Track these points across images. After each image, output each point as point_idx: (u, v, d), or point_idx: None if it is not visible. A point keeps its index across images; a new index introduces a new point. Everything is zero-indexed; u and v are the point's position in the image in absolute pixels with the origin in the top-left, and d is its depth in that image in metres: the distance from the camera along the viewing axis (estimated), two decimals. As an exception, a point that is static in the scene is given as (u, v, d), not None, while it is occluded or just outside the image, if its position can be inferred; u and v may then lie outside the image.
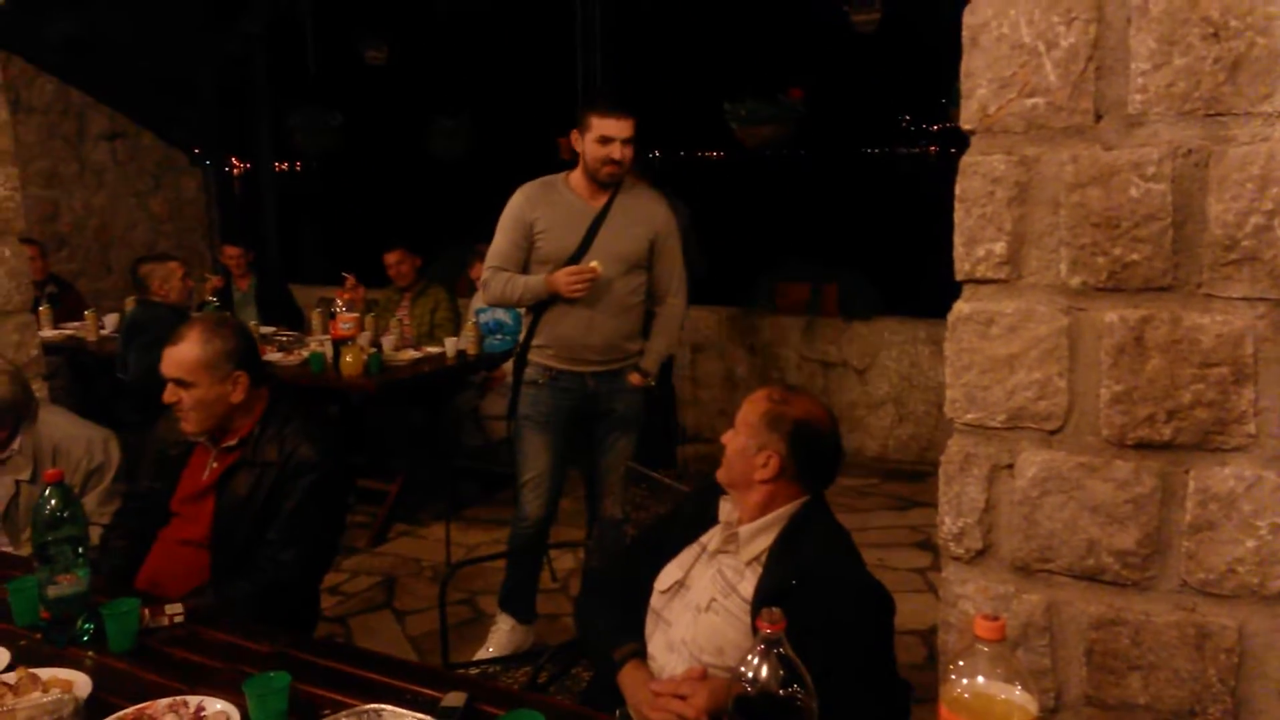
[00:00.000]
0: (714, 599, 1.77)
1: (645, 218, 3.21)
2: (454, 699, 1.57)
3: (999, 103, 1.59)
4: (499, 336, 5.06)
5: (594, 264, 3.06)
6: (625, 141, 3.03)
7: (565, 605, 3.76)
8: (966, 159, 1.62)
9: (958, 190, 1.62)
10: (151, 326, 4.17)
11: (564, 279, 3.05)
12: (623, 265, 3.15)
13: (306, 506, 2.26)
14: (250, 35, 7.87)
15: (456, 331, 5.10)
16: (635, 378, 3.27)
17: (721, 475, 1.87)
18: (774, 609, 1.18)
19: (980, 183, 1.61)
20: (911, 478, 5.16)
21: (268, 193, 8.35)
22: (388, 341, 4.91)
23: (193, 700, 1.59)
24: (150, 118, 7.74)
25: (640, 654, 1.83)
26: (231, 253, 6.18)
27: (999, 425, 1.62)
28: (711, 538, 1.89)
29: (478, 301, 5.07)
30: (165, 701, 1.59)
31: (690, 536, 1.92)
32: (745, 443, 1.82)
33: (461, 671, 2.42)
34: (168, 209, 7.89)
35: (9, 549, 2.55)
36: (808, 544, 1.75)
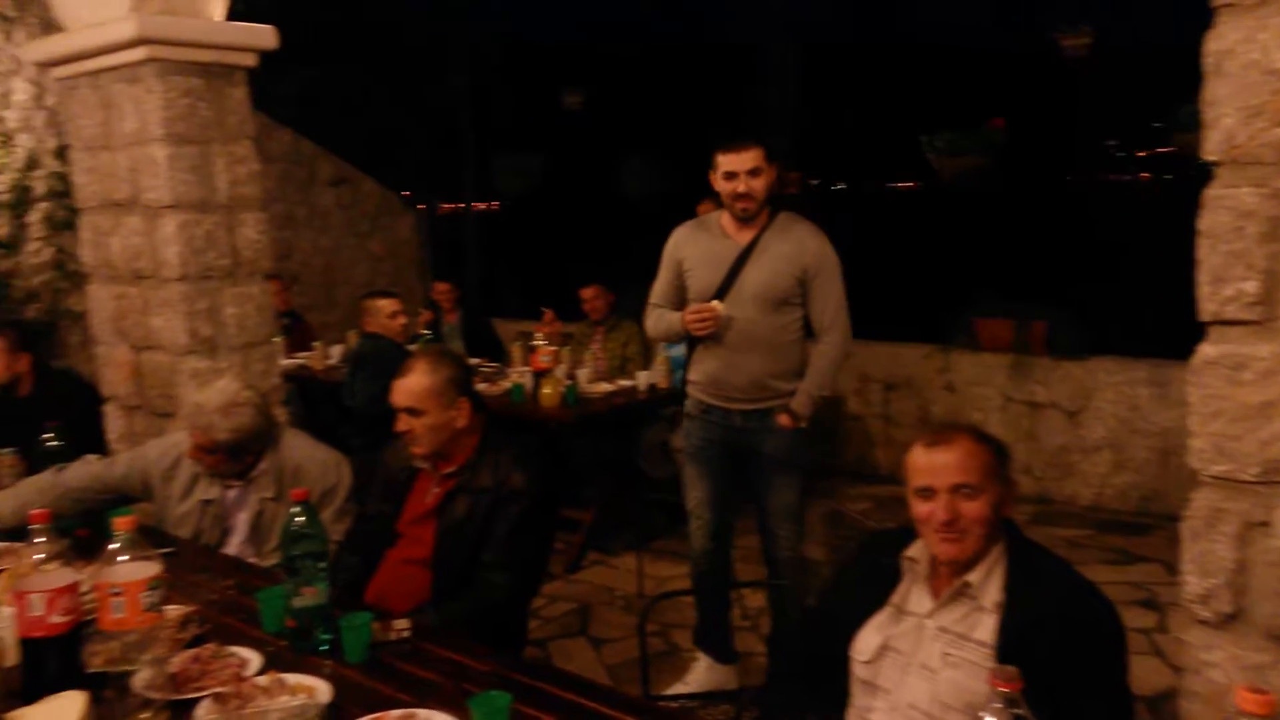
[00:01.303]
0: (946, 653, 1.70)
1: (792, 252, 3.11)
2: (663, 732, 1.58)
3: (1248, 133, 1.48)
4: (690, 371, 5.11)
5: (714, 303, 3.07)
6: (750, 173, 3.02)
7: (756, 644, 3.71)
8: (1212, 192, 1.52)
9: (1201, 225, 1.52)
10: (374, 358, 4.49)
11: (687, 317, 3.11)
12: (765, 302, 3.09)
13: (518, 532, 2.37)
14: (457, 87, 8.41)
15: (648, 365, 5.20)
16: (784, 418, 3.16)
17: (954, 544, 1.72)
18: (1009, 667, 1.13)
19: (1228, 217, 1.50)
20: (1131, 530, 4.78)
21: (471, 232, 8.87)
22: (583, 374, 5.06)
23: (421, 714, 1.68)
24: (370, 165, 8.39)
25: None
26: (441, 288, 6.56)
27: (1252, 479, 1.49)
28: (906, 595, 1.81)
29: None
30: (396, 713, 1.69)
31: (873, 596, 1.85)
32: (983, 502, 1.71)
33: (664, 704, 2.44)
34: (385, 248, 8.49)
35: (253, 561, 2.79)
36: (1038, 576, 1.67)
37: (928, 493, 1.73)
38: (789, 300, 3.13)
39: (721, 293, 3.10)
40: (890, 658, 1.77)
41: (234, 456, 2.70)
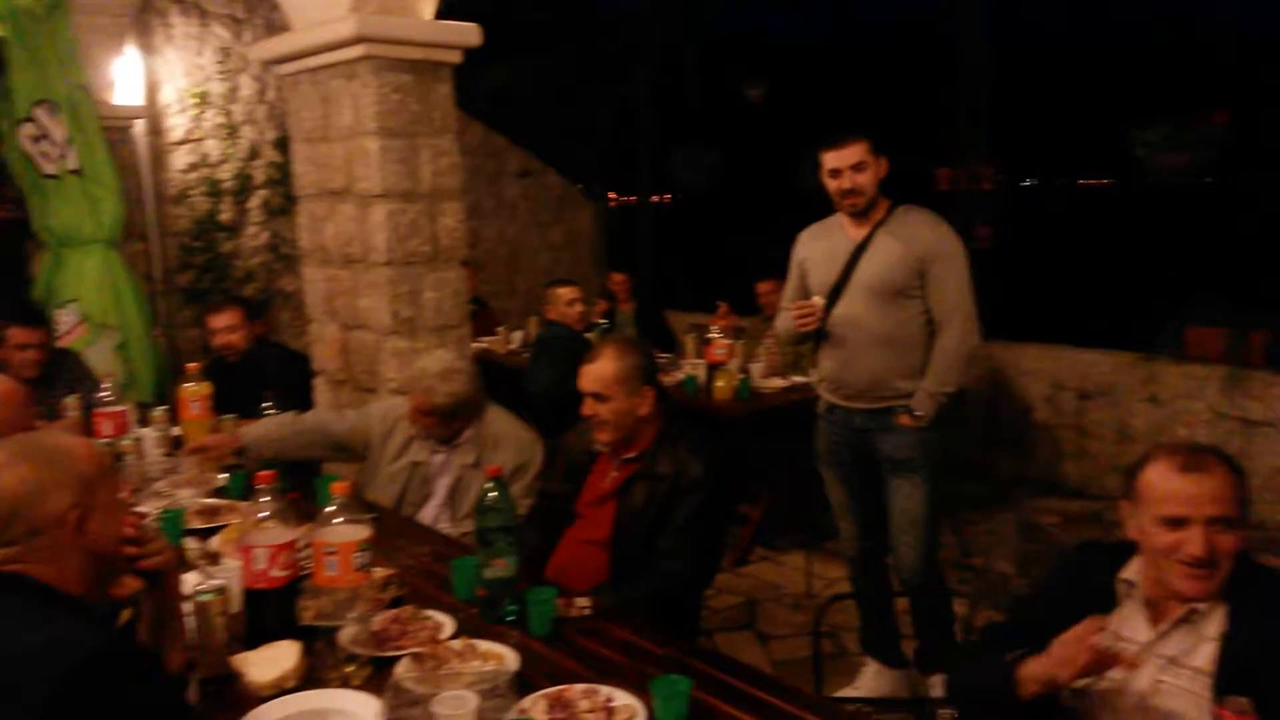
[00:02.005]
0: (1160, 680, 1.59)
1: (906, 242, 2.99)
2: (848, 732, 1.56)
3: None
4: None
5: (816, 299, 3.05)
6: (855, 168, 2.96)
7: (930, 654, 3.60)
8: None
9: None
10: (554, 344, 4.64)
11: (793, 314, 3.09)
12: (880, 295, 2.99)
13: (694, 521, 2.39)
14: (641, 81, 8.52)
15: (823, 362, 5.11)
16: (904, 418, 3.04)
17: (1202, 582, 1.57)
18: (1241, 698, 1.04)
19: None
20: (1358, 564, 4.31)
21: (646, 224, 8.98)
22: (756, 369, 5.03)
23: (603, 690, 1.73)
24: (553, 157, 8.64)
25: None
26: (617, 279, 6.68)
27: None
28: (1121, 621, 1.69)
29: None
30: (580, 688, 1.74)
31: (1082, 619, 1.73)
32: (1236, 535, 1.57)
33: (841, 706, 2.40)
34: (564, 238, 8.73)
35: (447, 525, 2.95)
36: (1268, 603, 1.53)
37: (1179, 523, 1.56)
38: (906, 292, 2.99)
39: (838, 289, 3.06)
40: (1102, 685, 1.66)
41: (447, 420, 2.90)
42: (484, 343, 6.31)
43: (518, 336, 6.27)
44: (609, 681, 1.77)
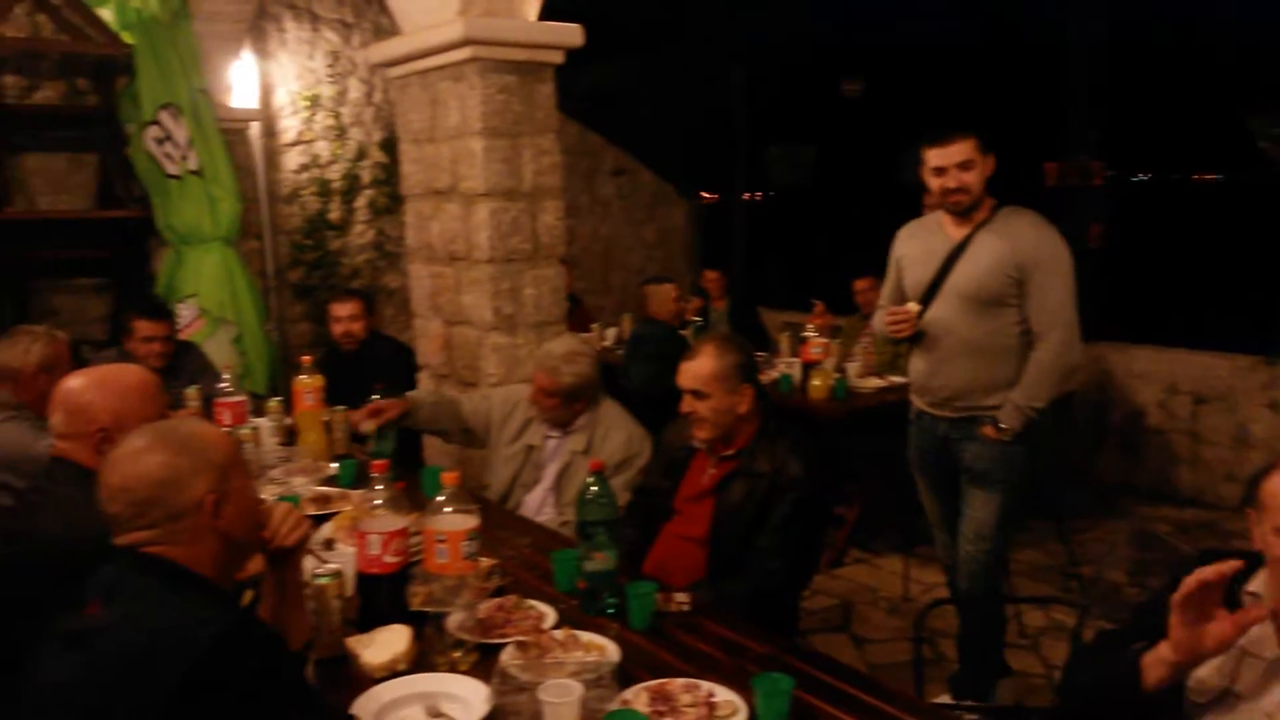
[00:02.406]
0: None
1: (1006, 247, 2.85)
2: (954, 738, 1.54)
3: None
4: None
5: (911, 305, 2.94)
6: (961, 167, 2.83)
7: (1036, 665, 3.50)
8: None
9: None
10: (651, 341, 4.66)
11: (886, 319, 3.00)
12: (974, 302, 2.86)
13: (792, 520, 2.38)
14: (735, 78, 8.49)
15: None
16: (988, 430, 2.92)
17: None
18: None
19: None
20: None
21: (738, 222, 8.95)
22: (852, 368, 4.97)
23: (704, 685, 1.74)
24: (648, 156, 8.68)
25: None
26: (711, 276, 6.68)
27: None
28: (1250, 635, 1.61)
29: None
30: (681, 682, 1.75)
31: None
32: None
33: (947, 713, 2.36)
34: (657, 236, 8.77)
35: (551, 510, 3.01)
36: None
37: None
38: (1003, 300, 2.86)
39: (931, 291, 2.95)
40: (1229, 701, 1.60)
41: (569, 402, 2.99)
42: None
43: (612, 333, 6.33)
44: (708, 677, 1.78)
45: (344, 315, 4.19)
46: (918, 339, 3.01)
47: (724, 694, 1.71)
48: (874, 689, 1.79)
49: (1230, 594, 1.65)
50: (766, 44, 8.19)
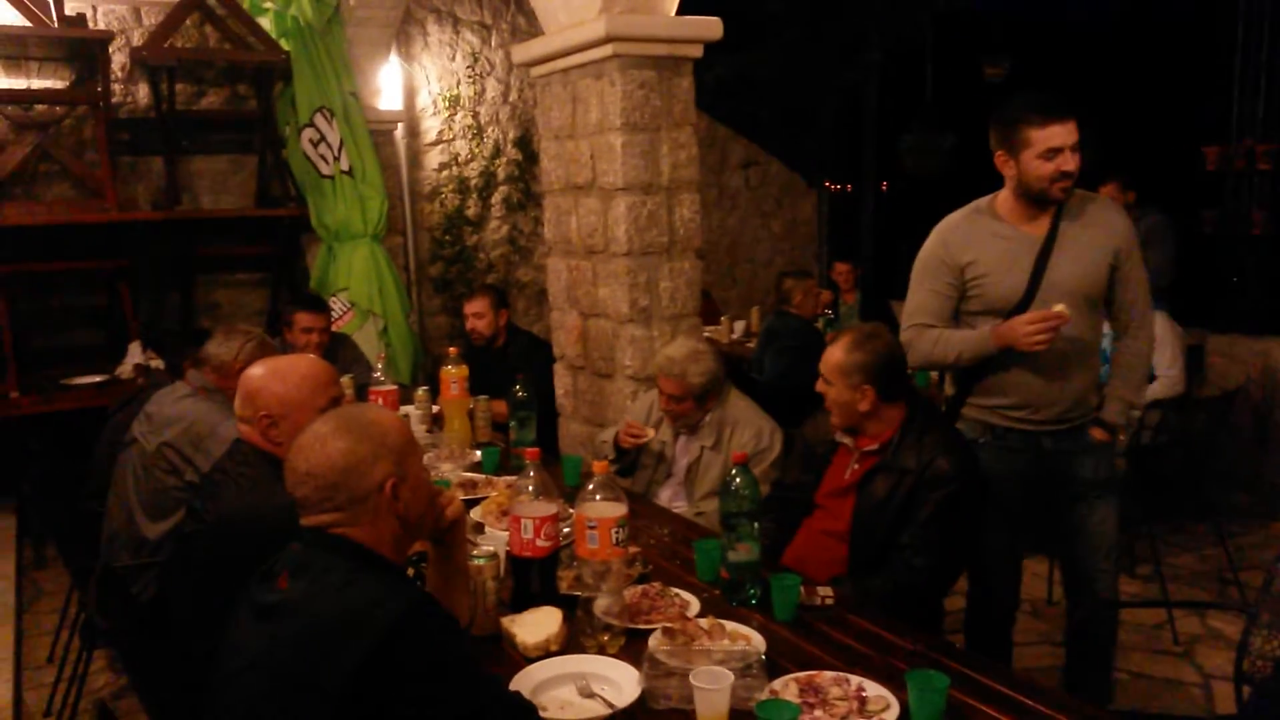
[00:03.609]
0: None
1: (1102, 236, 2.61)
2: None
3: None
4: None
5: (1060, 307, 2.48)
6: (1074, 148, 2.50)
7: (1191, 674, 3.34)
8: None
9: None
10: (785, 334, 4.65)
11: (1024, 330, 2.50)
12: (1082, 301, 2.59)
13: (941, 517, 2.33)
14: (869, 64, 8.31)
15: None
16: (1097, 432, 2.69)
17: None
18: None
19: None
20: None
21: (868, 213, 8.77)
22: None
23: (854, 680, 1.73)
24: (777, 147, 8.60)
25: None
26: (841, 269, 6.59)
27: None
28: None
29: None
30: (830, 675, 1.76)
31: None
32: None
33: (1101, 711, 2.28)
34: (784, 228, 8.70)
35: (682, 503, 3.05)
36: None
37: None
38: (1103, 295, 2.66)
39: (1028, 299, 2.58)
40: None
41: (701, 402, 3.02)
42: (707, 331, 6.41)
43: (740, 326, 6.33)
44: (855, 671, 1.78)
45: (470, 313, 4.37)
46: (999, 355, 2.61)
47: (874, 689, 1.71)
48: (1028, 688, 1.74)
49: None
50: (901, 26, 7.97)
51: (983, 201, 2.71)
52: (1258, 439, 5.26)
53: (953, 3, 7.87)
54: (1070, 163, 2.51)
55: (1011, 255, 2.60)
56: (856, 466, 2.52)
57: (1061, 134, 2.50)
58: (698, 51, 3.63)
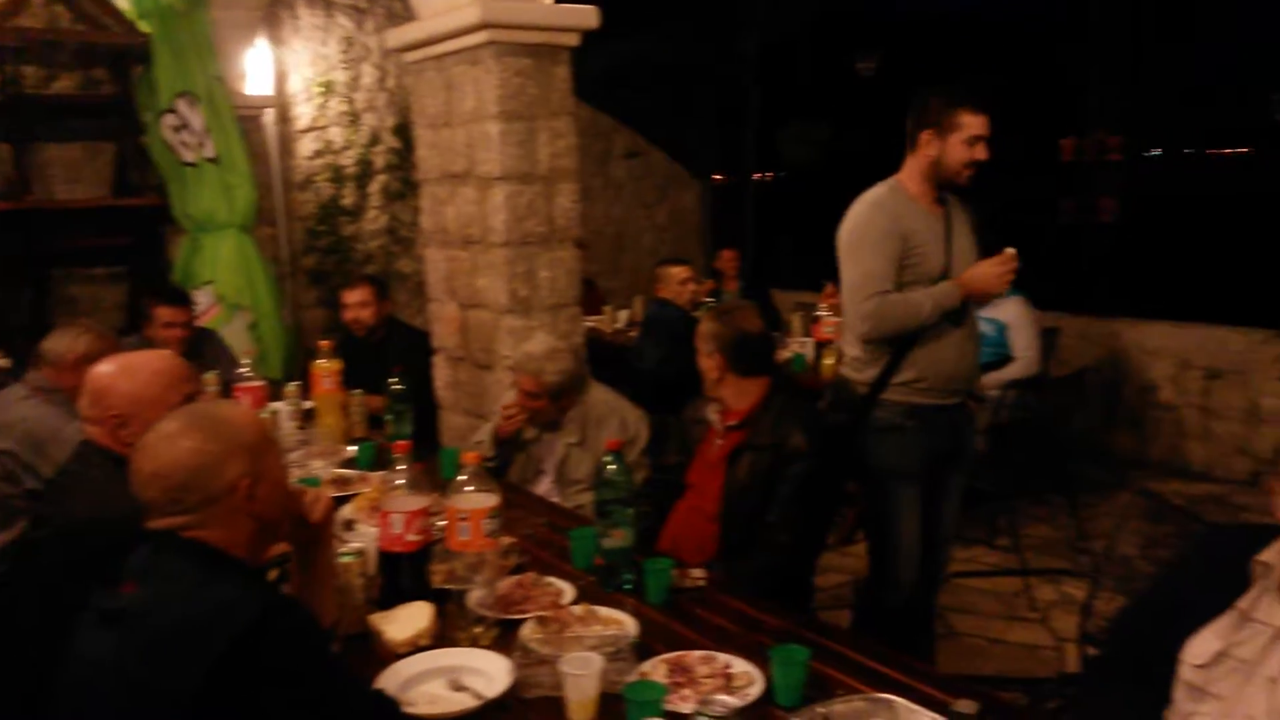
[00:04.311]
0: None
1: (969, 224, 2.84)
2: (967, 706, 1.57)
3: None
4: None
5: (1011, 251, 2.66)
6: (988, 142, 2.67)
7: (1045, 637, 3.54)
8: None
9: None
10: (663, 323, 4.69)
11: (995, 271, 2.66)
12: None
13: (798, 494, 2.41)
14: (745, 56, 8.46)
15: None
16: (973, 405, 2.92)
17: None
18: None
19: None
20: None
21: (750, 203, 8.95)
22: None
23: (720, 657, 1.78)
24: (661, 137, 8.67)
25: None
26: (727, 256, 6.70)
27: None
28: (1256, 602, 1.65)
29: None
30: (698, 654, 1.80)
31: (1214, 600, 1.69)
32: None
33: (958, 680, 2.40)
34: (669, 218, 8.77)
35: (556, 500, 3.05)
36: None
37: None
38: None
39: (946, 272, 2.72)
40: (1228, 665, 1.63)
41: (556, 399, 3.00)
42: (591, 321, 6.42)
43: (624, 315, 6.36)
44: (725, 649, 1.82)
45: (353, 302, 4.21)
46: (923, 329, 2.71)
47: (740, 665, 1.75)
48: (889, 659, 1.82)
49: (1241, 563, 1.68)
50: (779, 22, 8.15)
51: (891, 183, 2.78)
52: (1107, 414, 5.61)
53: (828, 1, 8.09)
54: (984, 153, 2.68)
55: (933, 233, 2.73)
56: (721, 442, 2.60)
57: (985, 125, 2.66)
58: (575, 40, 3.62)
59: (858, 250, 2.72)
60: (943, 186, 2.74)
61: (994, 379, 4.26)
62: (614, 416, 3.05)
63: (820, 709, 1.58)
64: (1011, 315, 4.63)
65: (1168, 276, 8.61)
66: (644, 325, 5.18)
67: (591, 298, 6.89)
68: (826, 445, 2.50)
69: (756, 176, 9.86)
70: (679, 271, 5.05)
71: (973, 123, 2.64)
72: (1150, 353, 5.45)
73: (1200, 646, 1.67)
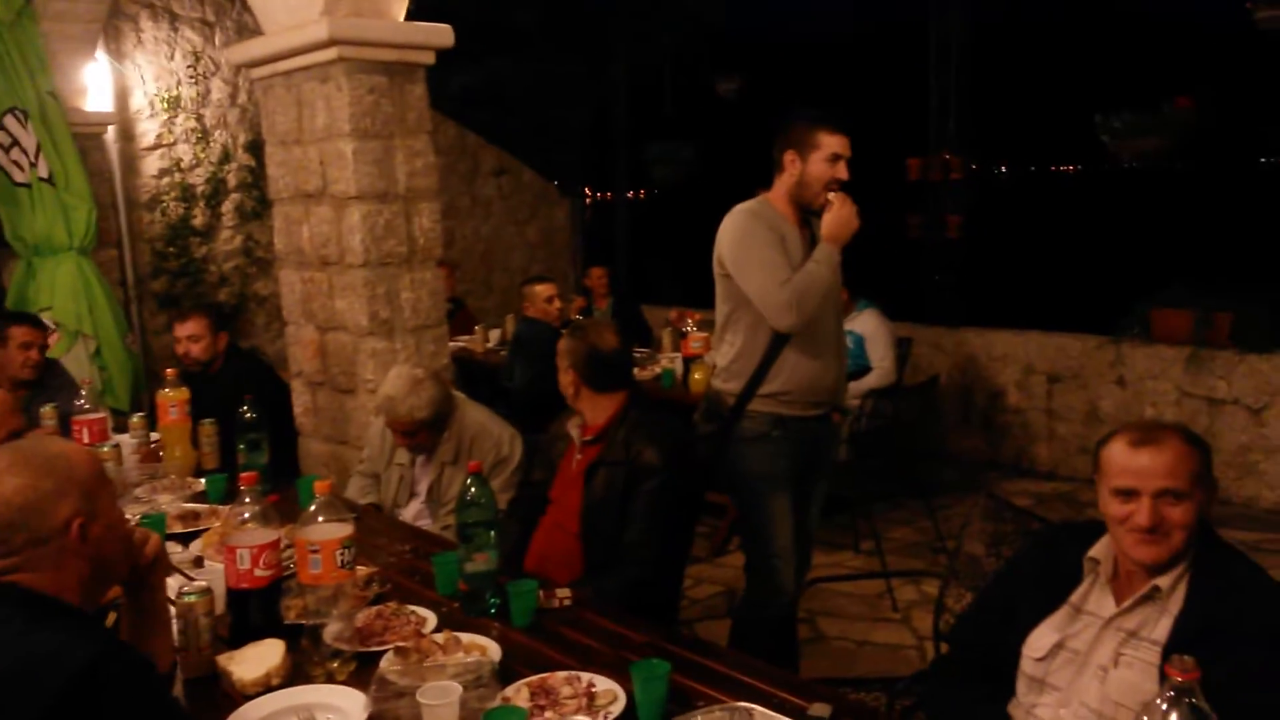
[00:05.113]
0: (1120, 653, 1.65)
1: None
2: (820, 709, 1.61)
3: None
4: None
5: (831, 194, 2.75)
6: (848, 161, 2.78)
7: (907, 637, 3.67)
8: None
9: None
10: (532, 341, 4.67)
11: (844, 213, 2.73)
12: (835, 292, 2.89)
13: (654, 508, 2.42)
14: (616, 79, 8.54)
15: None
16: (837, 416, 3.02)
17: (1152, 547, 1.63)
18: (1186, 657, 1.10)
19: None
20: (1319, 536, 4.44)
21: (622, 220, 9.03)
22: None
23: (584, 676, 1.77)
24: (530, 156, 8.65)
25: None
26: (597, 273, 6.72)
27: None
28: (1086, 596, 1.75)
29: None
30: (561, 675, 1.78)
31: (1050, 594, 1.79)
32: (1187, 507, 1.62)
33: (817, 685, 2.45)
34: (540, 236, 8.76)
35: (428, 522, 2.99)
36: (1225, 579, 1.60)
37: (1130, 494, 1.63)
38: None
39: None
40: (1063, 656, 1.72)
41: (436, 428, 2.95)
42: (461, 341, 6.34)
43: (495, 335, 6.30)
44: (590, 668, 1.81)
45: (183, 335, 3.87)
46: (783, 341, 2.79)
47: (604, 683, 1.75)
48: (749, 668, 1.85)
49: (1074, 560, 1.78)
50: (645, 44, 8.26)
51: (761, 199, 2.87)
52: (961, 419, 5.90)
53: (691, 24, 8.25)
54: (844, 172, 2.77)
55: (798, 248, 2.81)
56: (580, 457, 2.60)
57: (845, 145, 2.77)
58: (430, 59, 3.57)
59: (751, 251, 2.77)
60: (805, 209, 2.84)
61: (853, 389, 4.40)
62: (489, 435, 3.01)
63: (681, 722, 1.59)
64: (867, 327, 4.81)
65: (1011, 287, 9.15)
66: (512, 344, 5.14)
67: (462, 318, 6.80)
68: (685, 459, 2.53)
69: (630, 195, 9.95)
70: (544, 289, 5.04)
71: (831, 142, 2.75)
72: (997, 359, 5.76)
73: (1038, 640, 1.76)
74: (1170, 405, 5.07)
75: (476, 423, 3.02)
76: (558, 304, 5.07)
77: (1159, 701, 1.10)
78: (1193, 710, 1.08)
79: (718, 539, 4.65)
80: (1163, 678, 1.11)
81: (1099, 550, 1.76)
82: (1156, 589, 1.65)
